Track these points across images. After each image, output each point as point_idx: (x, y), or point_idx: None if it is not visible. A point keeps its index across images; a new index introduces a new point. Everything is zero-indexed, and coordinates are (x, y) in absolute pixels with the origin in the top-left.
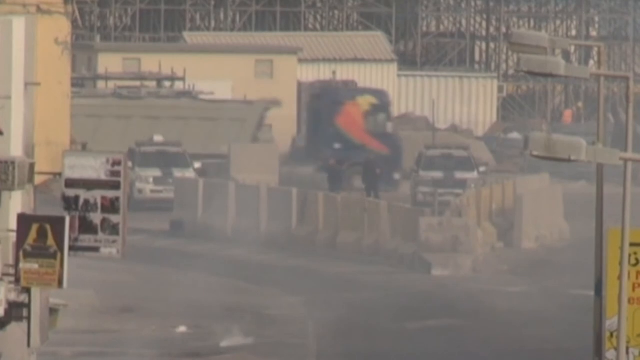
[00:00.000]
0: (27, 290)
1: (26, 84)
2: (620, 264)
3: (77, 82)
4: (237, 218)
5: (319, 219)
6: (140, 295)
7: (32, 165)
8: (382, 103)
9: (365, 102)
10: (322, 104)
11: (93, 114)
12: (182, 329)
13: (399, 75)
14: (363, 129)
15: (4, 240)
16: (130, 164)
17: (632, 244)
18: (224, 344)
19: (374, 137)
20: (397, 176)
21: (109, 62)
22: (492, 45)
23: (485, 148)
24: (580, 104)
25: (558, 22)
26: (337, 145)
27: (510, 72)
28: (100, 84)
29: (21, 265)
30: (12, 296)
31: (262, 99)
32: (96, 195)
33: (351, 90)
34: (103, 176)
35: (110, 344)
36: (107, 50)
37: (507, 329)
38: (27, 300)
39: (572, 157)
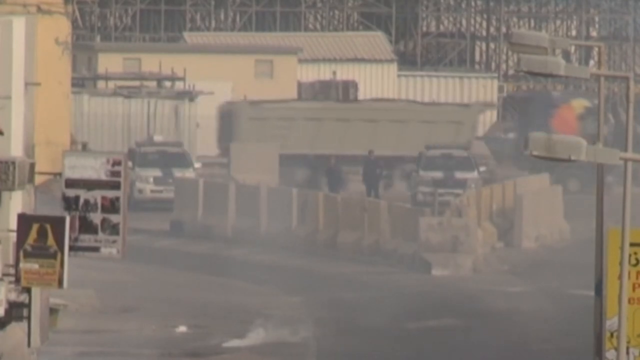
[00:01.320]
0: (27, 290)
1: (26, 84)
2: (620, 264)
3: (77, 82)
4: (237, 218)
5: (319, 219)
6: (140, 295)
7: (32, 165)
8: (595, 106)
9: (579, 105)
10: (535, 107)
11: (313, 117)
12: (182, 329)
13: (399, 75)
14: (577, 133)
15: (4, 240)
16: (130, 164)
17: (632, 244)
18: (227, 344)
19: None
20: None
21: (109, 62)
22: (492, 45)
23: (485, 148)
24: None
25: (558, 22)
26: None
27: (510, 72)
28: (101, 84)
29: (21, 265)
30: (12, 296)
31: (477, 102)
32: (96, 195)
33: (565, 93)
34: (103, 176)
35: (110, 344)
36: (107, 50)
37: (507, 329)
38: (27, 300)
39: (572, 157)
